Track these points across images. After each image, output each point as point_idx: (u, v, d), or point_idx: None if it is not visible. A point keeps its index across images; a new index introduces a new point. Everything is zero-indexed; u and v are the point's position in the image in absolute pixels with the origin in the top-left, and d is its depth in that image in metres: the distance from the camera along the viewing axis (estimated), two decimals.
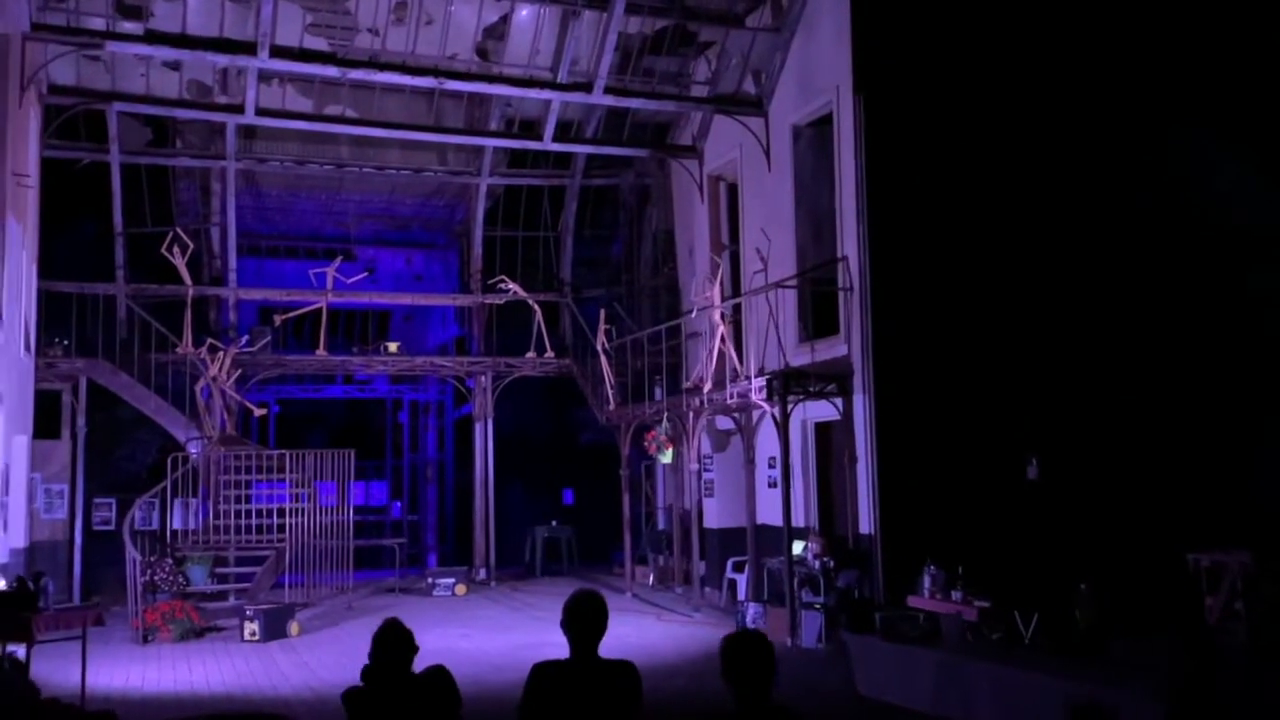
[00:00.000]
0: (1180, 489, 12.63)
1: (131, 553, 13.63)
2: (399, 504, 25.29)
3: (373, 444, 24.49)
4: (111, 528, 17.97)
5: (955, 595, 10.37)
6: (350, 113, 16.77)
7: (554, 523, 21.54)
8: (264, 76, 15.00)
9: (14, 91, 11.44)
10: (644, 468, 20.55)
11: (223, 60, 13.80)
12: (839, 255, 13.57)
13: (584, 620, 4.75)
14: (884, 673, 7.18)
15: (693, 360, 17.50)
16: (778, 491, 14.99)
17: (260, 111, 15.10)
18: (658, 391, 17.26)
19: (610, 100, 15.33)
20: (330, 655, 12.33)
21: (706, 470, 16.91)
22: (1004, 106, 13.15)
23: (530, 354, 19.62)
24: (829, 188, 14.50)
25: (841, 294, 13.48)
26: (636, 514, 19.55)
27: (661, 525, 20.01)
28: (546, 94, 15.11)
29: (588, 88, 14.92)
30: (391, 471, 25.29)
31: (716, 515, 16.75)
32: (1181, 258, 13.27)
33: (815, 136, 14.85)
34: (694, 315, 15.33)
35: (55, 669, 9.83)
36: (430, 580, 18.01)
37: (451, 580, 17.93)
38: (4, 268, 10.60)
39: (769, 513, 15.15)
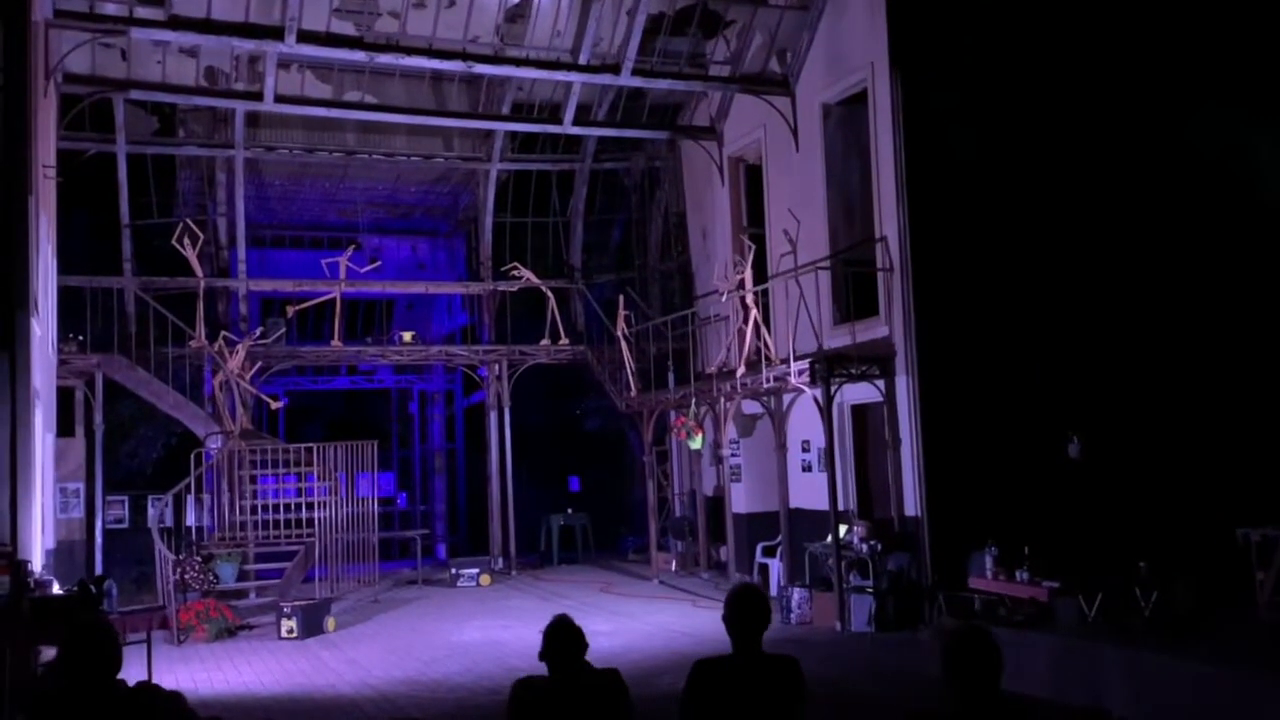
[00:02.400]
0: (1227, 465, 12.63)
1: (164, 551, 13.35)
2: (404, 495, 25.01)
3: (377, 435, 24.13)
4: (125, 525, 17.64)
5: (1021, 576, 10.34)
6: (370, 98, 16.44)
7: (569, 510, 21.35)
8: (282, 63, 14.66)
9: (39, 81, 11.07)
10: (656, 454, 20.36)
11: (248, 45, 13.45)
12: (878, 236, 13.44)
13: (748, 614, 4.58)
14: None
15: (710, 344, 17.34)
16: (811, 476, 14.95)
17: (279, 98, 14.76)
18: (670, 377, 17.10)
19: (638, 82, 15.10)
20: (376, 651, 12.12)
21: (733, 455, 16.78)
22: (1044, 81, 13.05)
23: (545, 341, 19.41)
24: (861, 167, 14.37)
25: (881, 275, 13.36)
26: (648, 501, 19.42)
27: (677, 512, 19.86)
28: (573, 76, 14.87)
29: (615, 69, 14.68)
30: (398, 462, 25.00)
31: (744, 500, 16.64)
32: (1226, 233, 13.24)
33: (845, 115, 14.69)
34: (724, 299, 15.15)
35: None
36: (454, 571, 17.81)
37: (475, 570, 17.73)
38: (38, 262, 10.27)
39: (801, 497, 15.06)
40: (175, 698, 4.41)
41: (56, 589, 9.13)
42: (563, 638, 4.51)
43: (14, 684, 8.76)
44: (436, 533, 24.13)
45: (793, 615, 13.02)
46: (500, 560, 19.10)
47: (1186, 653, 6.76)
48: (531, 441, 22.02)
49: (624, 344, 17.52)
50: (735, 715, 4.47)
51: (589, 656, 4.64)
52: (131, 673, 9.45)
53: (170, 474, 19.83)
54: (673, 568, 18.17)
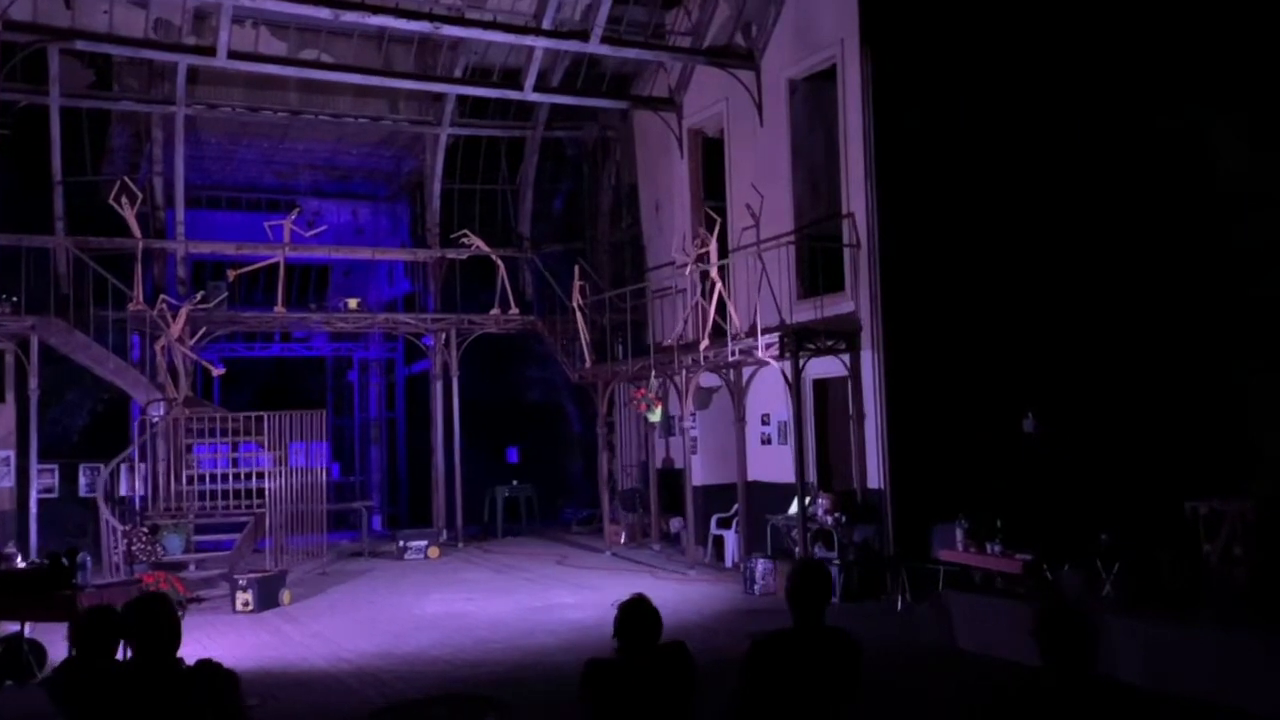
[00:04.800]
0: (1174, 440, 13.04)
1: (112, 522, 12.89)
2: (337, 466, 24.52)
3: (309, 404, 23.57)
4: (55, 495, 16.98)
5: (993, 548, 10.54)
6: (325, 58, 15.93)
7: (514, 482, 21.18)
8: (236, 18, 14.11)
9: None
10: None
11: None
12: (844, 212, 13.51)
13: (812, 589, 4.60)
14: (994, 629, 7.23)
15: (664, 317, 17.27)
16: (771, 448, 15.06)
17: (233, 54, 14.20)
18: (619, 349, 17.03)
19: (607, 50, 14.89)
20: (340, 624, 11.88)
21: (691, 428, 16.80)
22: (1014, 64, 13.21)
23: (494, 310, 19.16)
24: (827, 143, 14.42)
25: (847, 250, 13.45)
26: (601, 473, 19.37)
27: (621, 484, 19.85)
28: (541, 41, 14.60)
29: (584, 35, 14.47)
30: (331, 432, 24.46)
31: (699, 472, 16.68)
32: (1179, 218, 13.60)
33: (811, 91, 14.71)
34: (688, 271, 15.09)
35: (56, 651, 9.23)
36: (401, 543, 17.55)
37: (424, 543, 17.51)
38: None
39: (760, 470, 15.15)
40: (231, 677, 4.25)
41: (20, 562, 8.73)
42: (640, 616, 4.46)
43: None
44: (372, 504, 23.72)
45: (756, 586, 13.10)
46: (444, 533, 18.85)
47: (1193, 622, 6.99)
48: (473, 412, 21.81)
49: (579, 315, 17.35)
50: (800, 688, 4.49)
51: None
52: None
53: (97, 441, 19.14)
54: (622, 540, 18.16)
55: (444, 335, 19.27)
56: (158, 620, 4.05)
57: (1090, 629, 3.73)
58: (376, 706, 4.61)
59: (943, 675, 8.23)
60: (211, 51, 14.12)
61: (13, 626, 9.26)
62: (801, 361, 12.99)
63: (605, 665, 4.47)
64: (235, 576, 12.98)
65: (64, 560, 8.11)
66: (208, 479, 14.86)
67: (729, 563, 15.33)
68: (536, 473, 22.08)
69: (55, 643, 9.26)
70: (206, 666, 4.17)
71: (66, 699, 4.80)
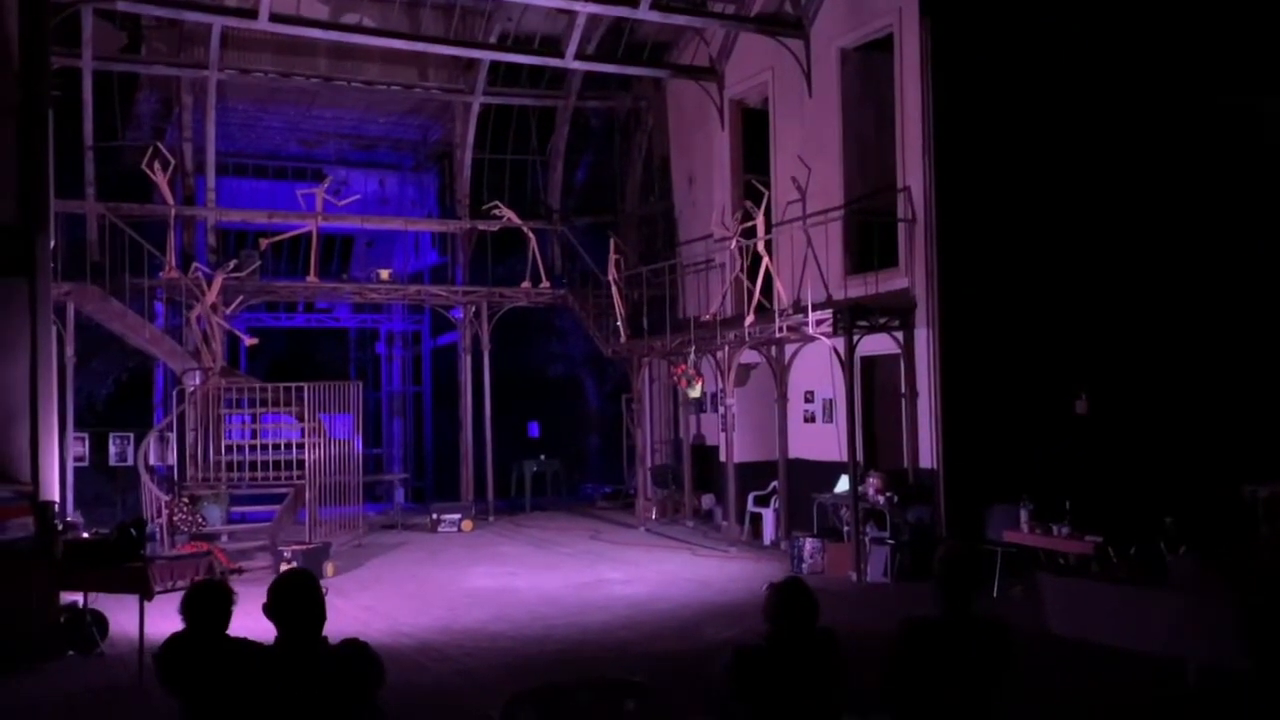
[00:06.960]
0: (1233, 422, 12.91)
1: (155, 491, 12.72)
2: (359, 438, 24.31)
3: (332, 375, 23.41)
4: (86, 464, 16.82)
5: (1059, 530, 10.40)
6: (367, 22, 15.62)
7: (541, 456, 21.03)
8: None
9: None
10: (625, 401, 20.05)
11: None
12: (900, 186, 13.28)
13: (963, 577, 4.44)
14: (1092, 613, 7.07)
15: (698, 292, 17.07)
16: (814, 426, 14.89)
17: (274, 17, 13.90)
18: (645, 323, 16.81)
19: (656, 16, 14.59)
20: (390, 598, 11.76)
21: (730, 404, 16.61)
22: (1076, 38, 12.97)
23: (525, 283, 18.93)
24: (878, 116, 14.18)
25: (902, 225, 13.22)
26: (623, 448, 19.23)
27: (650, 460, 19.66)
28: (591, 7, 14.29)
29: (632, 1, 14.17)
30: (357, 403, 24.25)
31: (736, 449, 16.48)
32: (1240, 194, 13.41)
33: (864, 61, 14.44)
34: (732, 245, 14.86)
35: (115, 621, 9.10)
36: (435, 516, 17.42)
37: (457, 516, 17.37)
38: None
39: (802, 448, 15.01)
40: (378, 661, 4.09)
41: (84, 533, 8.57)
42: (797, 600, 4.30)
43: (40, 630, 8.26)
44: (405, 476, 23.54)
45: (804, 565, 12.94)
46: (474, 505, 18.68)
47: None
48: (495, 386, 21.64)
49: (615, 289, 17.14)
50: (949, 676, 4.35)
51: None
52: (125, 617, 8.85)
53: (122, 410, 18.99)
54: (654, 516, 18.01)
55: (474, 308, 19.04)
56: (307, 597, 3.89)
57: None
58: (521, 689, 4.42)
59: (1047, 659, 7.96)
60: (253, 14, 13.82)
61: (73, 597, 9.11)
62: (857, 338, 12.78)
63: (756, 654, 4.30)
64: (280, 548, 12.83)
65: (132, 531, 7.94)
66: (245, 449, 14.66)
67: (767, 540, 15.20)
68: (556, 447, 21.94)
69: (114, 614, 9.12)
70: (354, 647, 4.00)
71: (182, 675, 4.64)
